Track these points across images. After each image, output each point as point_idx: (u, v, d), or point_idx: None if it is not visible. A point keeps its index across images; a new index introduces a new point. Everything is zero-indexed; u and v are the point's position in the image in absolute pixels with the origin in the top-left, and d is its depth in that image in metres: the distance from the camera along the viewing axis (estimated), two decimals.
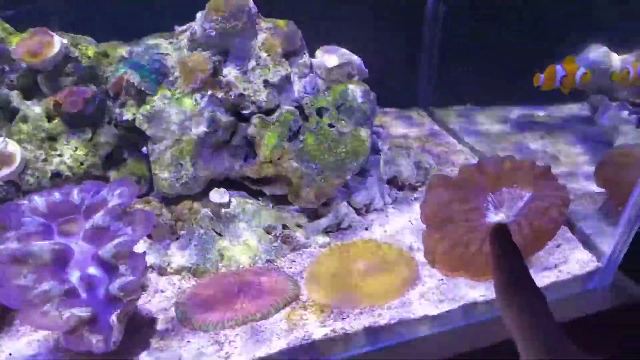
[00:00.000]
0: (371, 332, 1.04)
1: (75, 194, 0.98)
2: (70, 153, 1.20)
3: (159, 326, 1.06)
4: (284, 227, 1.28)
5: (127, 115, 1.22)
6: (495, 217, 1.26)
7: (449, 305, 1.09)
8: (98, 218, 0.93)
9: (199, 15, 1.29)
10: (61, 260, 0.91)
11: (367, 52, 1.43)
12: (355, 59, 1.43)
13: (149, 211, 0.99)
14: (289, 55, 1.30)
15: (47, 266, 0.89)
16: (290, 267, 1.23)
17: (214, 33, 1.23)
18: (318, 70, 1.37)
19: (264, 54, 1.27)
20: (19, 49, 1.16)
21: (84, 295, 0.91)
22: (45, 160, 1.18)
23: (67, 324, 0.87)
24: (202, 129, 1.22)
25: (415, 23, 1.91)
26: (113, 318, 0.91)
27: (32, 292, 0.87)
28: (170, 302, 1.12)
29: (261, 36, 1.27)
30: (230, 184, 1.33)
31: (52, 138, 1.19)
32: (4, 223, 0.92)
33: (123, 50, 1.30)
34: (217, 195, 1.30)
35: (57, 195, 0.97)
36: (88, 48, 1.26)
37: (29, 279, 0.88)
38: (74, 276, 0.91)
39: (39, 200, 0.95)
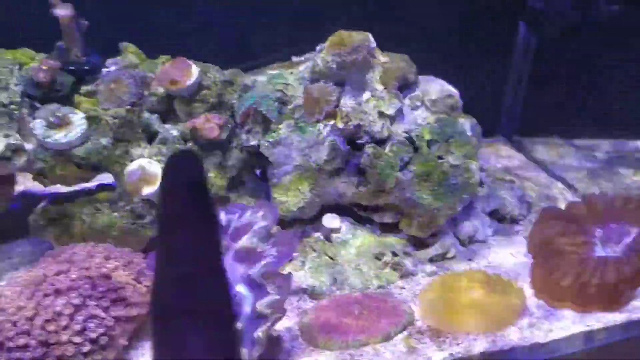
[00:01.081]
0: (487, 357, 1.09)
1: (223, 216, 1.06)
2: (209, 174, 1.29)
3: (286, 344, 1.12)
4: (393, 254, 1.33)
5: (253, 142, 1.30)
6: (602, 251, 1.29)
7: (558, 334, 1.13)
8: (246, 239, 1.01)
9: (318, 47, 1.38)
10: None
11: (451, 79, 1.49)
12: (455, 90, 1.49)
13: (291, 234, 1.06)
14: (403, 87, 1.37)
15: None
16: (400, 293, 1.28)
17: (335, 66, 1.31)
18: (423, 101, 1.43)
19: (379, 87, 1.34)
20: (162, 76, 1.27)
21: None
22: None
23: None
24: (323, 157, 1.29)
25: (503, 52, 1.95)
26: (259, 334, 0.98)
27: None
28: (292, 321, 1.18)
29: (378, 69, 1.35)
30: (340, 209, 1.40)
31: None
32: None
33: (245, 79, 1.39)
34: (330, 220, 1.37)
35: None
36: (216, 76, 1.36)
37: None
38: None
39: None
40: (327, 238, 1.36)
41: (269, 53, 1.49)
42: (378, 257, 1.33)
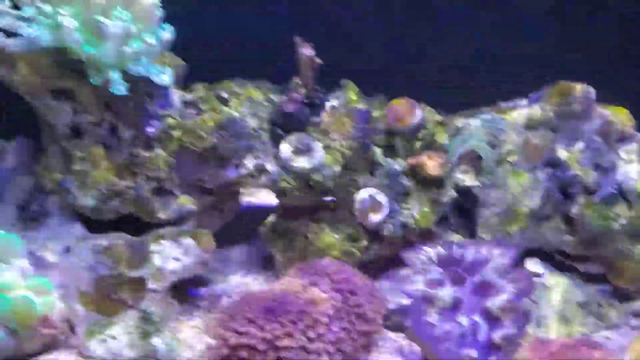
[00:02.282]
0: None
1: (456, 249, 1.15)
2: (418, 208, 1.39)
3: None
4: (598, 304, 1.35)
5: (468, 182, 1.39)
6: None
7: None
8: (486, 274, 1.09)
9: (533, 95, 1.45)
10: (456, 306, 1.07)
11: None
12: None
13: (527, 272, 1.13)
14: (619, 140, 1.40)
15: (447, 310, 1.07)
16: (606, 343, 1.29)
17: (553, 115, 1.38)
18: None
19: (597, 138, 1.38)
20: (390, 114, 1.41)
21: (469, 339, 1.07)
22: (398, 211, 1.38)
23: None
24: (536, 202, 1.35)
25: None
26: None
27: (437, 329, 1.05)
28: None
29: (595, 121, 1.39)
30: (542, 255, 1.44)
31: (407, 193, 1.40)
32: (410, 265, 1.12)
33: (456, 121, 1.49)
34: (533, 265, 1.41)
35: (441, 250, 1.16)
36: (432, 117, 1.47)
37: (434, 317, 1.05)
38: (463, 321, 1.07)
39: (430, 252, 1.14)
40: None
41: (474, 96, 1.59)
42: (582, 306, 1.35)
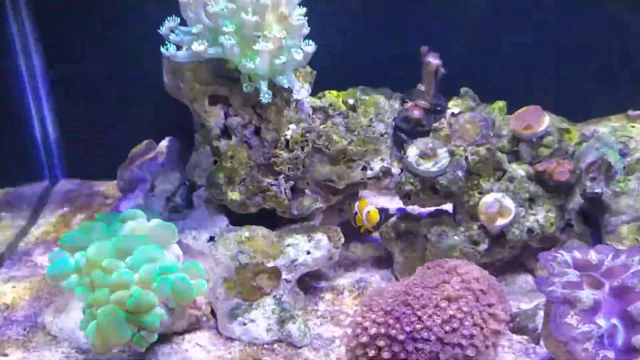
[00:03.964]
0: None
1: (593, 255, 1.16)
2: (543, 214, 1.41)
3: None
4: None
5: (597, 189, 1.39)
6: None
7: None
8: (627, 279, 1.09)
9: None
10: (596, 308, 1.08)
11: None
12: None
13: None
14: None
15: (586, 311, 1.08)
16: None
17: None
18: None
19: None
20: (517, 121, 1.43)
21: (606, 341, 1.07)
22: (523, 216, 1.40)
23: None
24: None
25: None
26: None
27: (576, 330, 1.06)
28: None
29: None
30: None
31: (532, 199, 1.42)
32: (546, 268, 1.14)
33: (583, 129, 1.49)
34: None
35: (577, 253, 1.17)
36: (557, 124, 1.47)
37: (574, 319, 1.07)
38: (601, 324, 1.08)
39: (567, 256, 1.16)
40: None
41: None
42: None
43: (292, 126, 1.42)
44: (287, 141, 1.40)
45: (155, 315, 1.18)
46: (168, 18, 1.31)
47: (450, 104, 1.61)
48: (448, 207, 1.56)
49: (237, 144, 1.37)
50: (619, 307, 1.10)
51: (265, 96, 1.29)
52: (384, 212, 1.66)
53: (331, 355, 1.28)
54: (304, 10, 1.34)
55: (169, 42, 1.30)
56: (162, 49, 1.29)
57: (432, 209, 1.56)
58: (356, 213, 1.49)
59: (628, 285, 1.10)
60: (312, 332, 1.35)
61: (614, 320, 1.10)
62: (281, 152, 1.37)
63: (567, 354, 1.10)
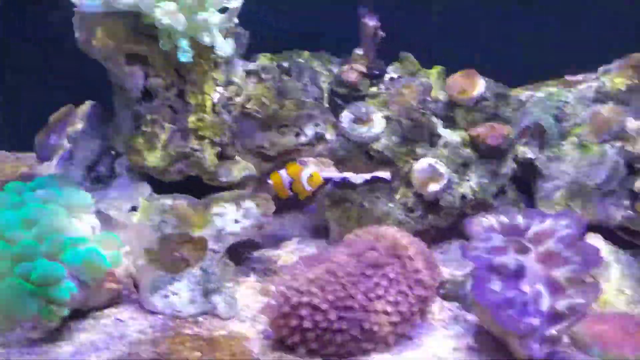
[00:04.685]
0: None
1: (520, 219, 1.14)
2: (477, 180, 1.38)
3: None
4: None
5: (529, 155, 1.37)
6: None
7: None
8: (552, 244, 1.07)
9: (602, 68, 1.41)
10: (520, 274, 1.06)
11: None
12: None
13: (595, 245, 1.10)
14: None
15: (510, 277, 1.06)
16: None
17: (624, 88, 1.34)
18: None
19: None
20: (452, 85, 1.39)
21: (531, 307, 1.06)
22: (457, 182, 1.38)
23: (524, 329, 1.02)
24: (602, 177, 1.32)
25: None
26: (553, 331, 1.04)
27: (499, 296, 1.04)
28: None
29: None
30: (603, 231, 1.41)
31: (465, 164, 1.39)
32: (472, 233, 1.11)
33: (519, 94, 1.46)
34: (594, 241, 1.37)
35: (504, 218, 1.15)
36: (494, 89, 1.44)
37: (497, 285, 1.05)
38: (526, 289, 1.06)
39: (493, 221, 1.13)
40: None
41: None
42: None
43: (220, 89, 1.35)
44: (214, 105, 1.33)
45: (64, 288, 1.10)
46: None
47: (390, 68, 1.56)
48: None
49: (159, 106, 1.29)
50: (544, 272, 1.09)
51: (185, 54, 1.22)
52: (327, 180, 1.62)
53: (257, 327, 1.24)
54: None
55: None
56: None
57: (369, 176, 1.53)
58: (292, 180, 1.41)
59: (553, 250, 1.08)
60: (240, 304, 1.31)
61: (539, 286, 1.08)
62: (206, 115, 1.30)
63: (492, 320, 1.09)
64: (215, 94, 1.32)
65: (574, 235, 1.08)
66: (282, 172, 1.38)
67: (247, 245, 1.52)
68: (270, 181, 1.38)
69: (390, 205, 1.42)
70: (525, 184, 1.46)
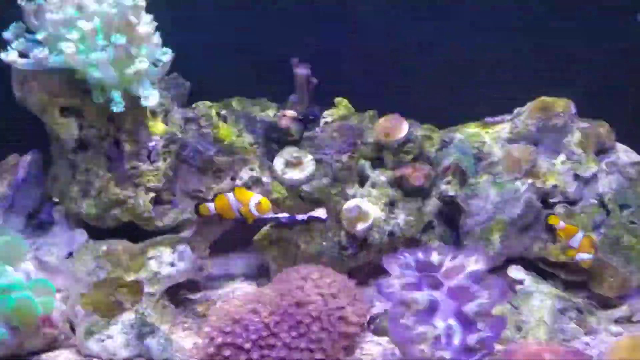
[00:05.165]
0: None
1: (435, 256, 1.20)
2: (403, 218, 1.46)
3: None
4: (578, 311, 1.39)
5: (451, 192, 1.45)
6: None
7: None
8: (462, 279, 1.14)
9: (516, 110, 1.51)
10: (432, 309, 1.12)
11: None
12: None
13: (501, 279, 1.17)
14: (599, 152, 1.45)
15: (423, 312, 1.12)
16: (586, 349, 1.33)
17: (534, 129, 1.44)
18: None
19: (578, 150, 1.43)
20: (378, 129, 1.48)
21: (443, 341, 1.12)
22: (385, 220, 1.45)
23: None
24: (517, 212, 1.40)
25: None
26: None
27: (412, 331, 1.10)
28: None
29: (576, 134, 1.45)
30: (524, 263, 1.48)
31: (392, 203, 1.47)
32: (388, 270, 1.17)
33: (443, 135, 1.55)
34: (515, 272, 1.46)
35: (420, 255, 1.21)
36: (418, 131, 1.53)
37: (410, 320, 1.10)
38: (439, 324, 1.12)
39: (409, 258, 1.20)
40: (511, 289, 1.45)
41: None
42: (562, 312, 1.39)
43: (156, 137, 1.41)
44: (150, 152, 1.39)
45: None
46: (14, 24, 1.29)
47: (326, 113, 1.65)
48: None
49: (93, 156, 1.34)
50: (455, 307, 1.15)
51: (118, 105, 1.28)
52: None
53: None
54: (150, 18, 1.34)
55: (11, 48, 1.27)
56: (2, 54, 1.25)
57: (306, 215, 1.59)
58: (240, 205, 1.38)
59: (463, 285, 1.15)
60: (176, 346, 1.34)
61: (451, 321, 1.14)
62: (139, 163, 1.36)
63: (406, 354, 1.14)
64: (151, 142, 1.38)
65: (482, 271, 1.15)
66: (230, 195, 1.40)
67: (188, 287, 1.57)
68: (212, 204, 1.41)
69: (324, 243, 1.48)
70: (453, 220, 1.54)
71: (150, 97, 1.30)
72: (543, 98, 1.44)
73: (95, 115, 1.33)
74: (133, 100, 1.33)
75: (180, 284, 1.52)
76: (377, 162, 1.55)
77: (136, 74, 1.27)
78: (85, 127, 1.34)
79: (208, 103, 1.59)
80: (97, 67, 1.23)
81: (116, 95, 1.28)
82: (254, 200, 1.38)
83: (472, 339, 1.10)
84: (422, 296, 1.13)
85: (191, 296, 1.55)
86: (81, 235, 1.38)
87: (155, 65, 1.35)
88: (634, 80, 1.69)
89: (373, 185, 1.48)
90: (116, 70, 1.26)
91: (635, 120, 1.70)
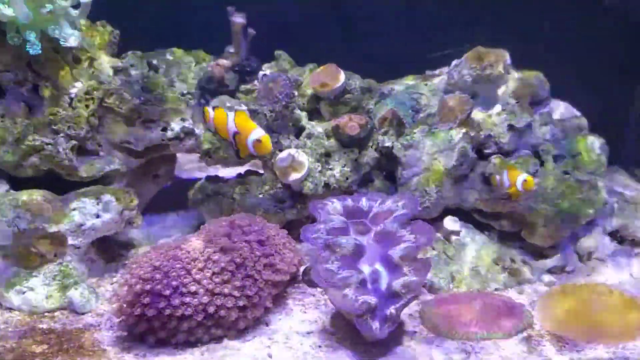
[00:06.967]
0: None
1: (364, 201, 1.19)
2: (339, 169, 1.43)
3: (408, 328, 1.21)
4: (512, 260, 1.39)
5: (388, 143, 1.43)
6: None
7: None
8: (388, 224, 1.12)
9: (454, 62, 1.49)
10: (358, 254, 1.10)
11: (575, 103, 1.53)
12: (579, 113, 1.54)
13: (429, 225, 1.16)
14: (534, 103, 1.44)
15: (348, 257, 1.10)
16: (518, 299, 1.34)
17: (470, 79, 1.42)
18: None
19: (512, 101, 1.42)
20: (314, 79, 1.44)
21: (370, 286, 1.10)
22: (320, 171, 1.42)
23: (360, 308, 1.05)
24: (452, 162, 1.39)
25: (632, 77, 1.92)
26: (391, 310, 1.08)
27: (336, 276, 1.07)
28: (412, 310, 1.27)
29: (511, 84, 1.43)
30: (461, 214, 1.48)
31: (328, 154, 1.44)
32: (315, 216, 1.15)
33: (382, 88, 1.53)
34: (451, 223, 1.45)
35: (349, 201, 1.19)
36: (357, 83, 1.50)
37: (334, 265, 1.08)
38: (365, 269, 1.10)
39: (337, 204, 1.17)
40: (447, 239, 1.44)
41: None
42: (496, 262, 1.39)
43: (79, 84, 1.34)
44: (71, 99, 1.32)
45: None
46: None
47: (265, 66, 1.60)
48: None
49: (10, 102, 1.27)
50: (381, 251, 1.14)
51: (34, 47, 1.21)
52: None
53: (113, 319, 1.23)
54: None
55: None
56: None
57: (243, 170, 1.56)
58: (237, 132, 1.22)
59: (389, 229, 1.13)
60: (102, 299, 1.30)
61: (378, 266, 1.13)
62: (58, 109, 1.29)
63: (331, 300, 1.12)
64: (73, 88, 1.32)
65: (407, 215, 1.14)
66: (231, 115, 1.24)
67: (123, 245, 1.53)
68: (211, 111, 1.26)
69: (260, 196, 1.45)
70: (392, 174, 1.52)
71: (70, 39, 1.23)
72: (478, 47, 1.42)
73: (11, 58, 1.26)
74: (53, 44, 1.26)
75: (116, 242, 1.48)
76: (316, 115, 1.53)
77: (52, 13, 1.20)
78: (1, 71, 1.27)
79: (139, 53, 1.52)
80: (9, 4, 1.16)
81: (31, 35, 1.20)
82: (255, 134, 1.19)
83: (397, 283, 1.09)
84: (347, 240, 1.11)
85: (125, 253, 1.51)
86: (0, 185, 1.32)
87: (75, 8, 1.28)
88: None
89: (309, 137, 1.44)
90: (31, 9, 1.19)
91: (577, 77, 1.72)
